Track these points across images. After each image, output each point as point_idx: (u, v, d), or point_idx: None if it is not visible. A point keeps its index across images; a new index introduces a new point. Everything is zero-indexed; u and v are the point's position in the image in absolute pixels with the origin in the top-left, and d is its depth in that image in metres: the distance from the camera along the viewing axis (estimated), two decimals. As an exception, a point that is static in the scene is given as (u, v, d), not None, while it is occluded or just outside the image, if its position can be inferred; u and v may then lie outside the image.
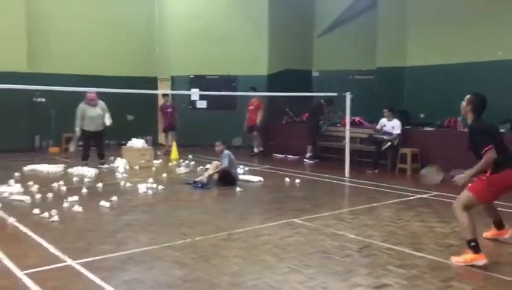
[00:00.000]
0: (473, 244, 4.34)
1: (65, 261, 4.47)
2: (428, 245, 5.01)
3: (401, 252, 4.78)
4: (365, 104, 12.63)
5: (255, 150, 13.04)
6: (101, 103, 10.47)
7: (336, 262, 4.50)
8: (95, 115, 10.31)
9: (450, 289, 3.84)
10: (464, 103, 4.79)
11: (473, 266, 4.31)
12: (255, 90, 12.86)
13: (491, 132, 4.62)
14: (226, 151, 8.52)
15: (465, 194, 4.53)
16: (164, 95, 13.82)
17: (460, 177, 4.55)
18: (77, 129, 10.27)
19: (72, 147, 11.49)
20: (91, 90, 10.29)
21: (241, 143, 11.73)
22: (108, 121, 10.45)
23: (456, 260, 4.42)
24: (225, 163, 8.35)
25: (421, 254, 4.71)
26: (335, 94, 10.44)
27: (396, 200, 7.39)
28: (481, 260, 4.30)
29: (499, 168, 4.43)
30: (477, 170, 4.51)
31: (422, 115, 12.01)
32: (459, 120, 10.11)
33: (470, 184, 4.60)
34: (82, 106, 10.30)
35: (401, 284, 3.93)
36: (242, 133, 13.52)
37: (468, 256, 4.36)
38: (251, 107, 13.25)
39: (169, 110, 13.51)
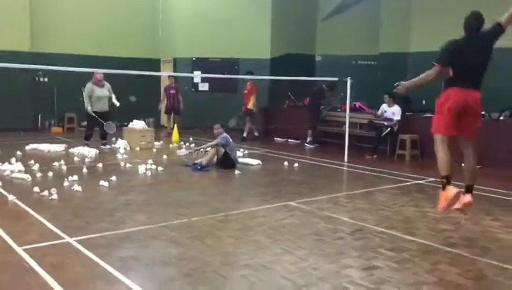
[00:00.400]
0: (443, 179, 4.56)
1: (63, 239, 4.57)
2: (420, 230, 5.09)
3: (393, 236, 4.86)
4: (368, 89, 12.62)
5: (244, 135, 12.85)
6: (107, 85, 10.55)
7: (328, 244, 4.58)
8: (102, 95, 10.40)
9: (438, 272, 3.92)
10: None
11: (449, 202, 4.55)
12: (251, 73, 12.79)
13: (447, 49, 4.77)
14: (224, 134, 8.62)
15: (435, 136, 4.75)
16: (169, 77, 13.87)
17: (400, 86, 5.09)
18: (89, 108, 10.31)
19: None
20: (97, 71, 10.33)
21: (235, 125, 11.70)
22: (116, 102, 10.53)
23: (438, 206, 4.66)
24: (215, 141, 8.53)
25: (412, 238, 4.79)
26: (336, 79, 10.44)
27: (393, 186, 7.45)
28: (451, 192, 4.47)
29: (445, 88, 4.63)
30: (416, 82, 4.93)
31: (424, 102, 11.99)
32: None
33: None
34: (90, 85, 10.36)
35: (391, 267, 4.01)
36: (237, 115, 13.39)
37: (441, 195, 4.60)
38: (245, 91, 13.15)
39: (172, 91, 13.56)
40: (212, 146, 8.58)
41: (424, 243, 4.64)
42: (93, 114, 10.29)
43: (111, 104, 10.63)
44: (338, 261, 4.12)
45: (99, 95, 10.34)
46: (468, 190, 4.78)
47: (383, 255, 4.27)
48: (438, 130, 4.72)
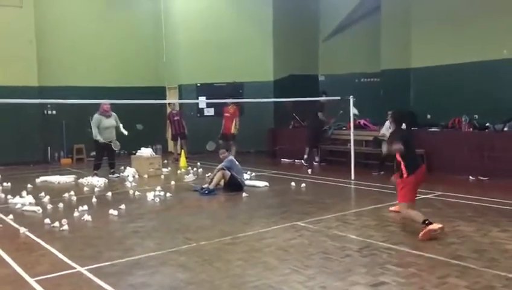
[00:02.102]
0: (426, 222, 5.32)
1: (74, 268, 4.65)
2: (427, 244, 5.09)
3: (400, 252, 4.88)
4: (372, 106, 12.71)
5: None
6: (114, 114, 10.73)
7: (336, 262, 4.61)
8: (109, 125, 10.58)
9: (446, 286, 3.93)
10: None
11: (432, 232, 5.22)
12: (233, 97, 12.89)
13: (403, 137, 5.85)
14: (230, 157, 8.74)
15: (402, 205, 5.77)
16: (169, 104, 14.06)
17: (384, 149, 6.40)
18: (99, 138, 10.44)
19: None
20: (104, 102, 10.50)
21: (214, 148, 11.57)
22: (125, 131, 10.70)
23: (422, 234, 5.24)
24: (221, 165, 8.66)
25: (420, 253, 4.80)
26: (338, 98, 10.54)
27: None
28: (437, 225, 5.28)
29: (411, 171, 5.67)
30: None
31: (429, 116, 12.05)
32: (463, 120, 10.15)
33: (399, 198, 5.88)
34: (97, 116, 10.54)
35: (398, 282, 4.03)
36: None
37: (427, 228, 5.27)
38: (227, 114, 12.99)
39: (176, 118, 13.74)
40: (218, 170, 8.67)
41: (431, 257, 4.65)
42: (102, 140, 10.40)
43: (119, 134, 10.77)
44: (346, 279, 4.15)
45: (106, 125, 10.52)
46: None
47: (390, 271, 4.30)
48: (411, 200, 5.81)
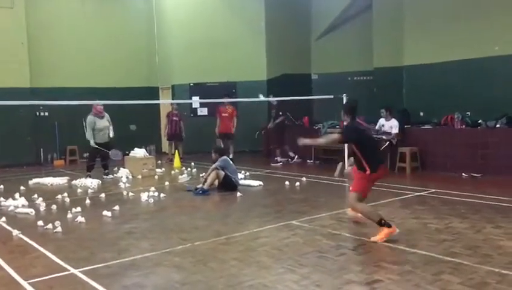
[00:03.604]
0: (383, 222, 5.19)
1: (68, 270, 4.62)
2: (422, 241, 5.12)
3: (395, 249, 4.90)
4: (365, 104, 12.69)
5: (231, 156, 12.67)
6: (107, 115, 10.65)
7: (331, 261, 4.61)
8: (103, 126, 10.48)
9: (439, 282, 3.94)
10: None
11: (387, 240, 5.09)
12: (229, 96, 13.07)
13: (353, 131, 5.60)
14: (223, 157, 8.74)
15: (353, 194, 5.47)
16: (171, 104, 14.06)
17: (302, 141, 5.93)
18: (92, 141, 10.36)
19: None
20: (96, 103, 10.42)
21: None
22: (112, 133, 10.62)
23: (379, 239, 5.12)
24: (215, 164, 8.67)
25: (414, 250, 4.82)
26: (331, 96, 10.55)
27: (394, 199, 7.49)
28: (395, 231, 5.17)
29: (375, 167, 5.34)
30: (310, 143, 6.33)
31: (422, 114, 12.08)
32: (455, 117, 10.19)
33: (351, 186, 5.69)
34: (91, 117, 10.44)
35: (393, 280, 4.04)
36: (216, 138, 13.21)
37: (384, 231, 5.15)
38: (225, 114, 12.98)
39: (174, 118, 13.70)
40: (212, 170, 8.65)
41: (425, 254, 4.67)
42: (96, 146, 10.36)
43: (108, 135, 10.67)
44: (340, 277, 4.15)
45: (100, 126, 10.44)
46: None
47: (384, 269, 4.31)
48: (365, 194, 5.54)
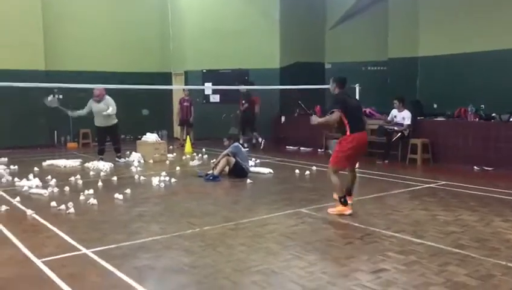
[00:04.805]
0: (342, 200, 5.86)
1: (80, 250, 4.73)
2: (429, 232, 5.14)
3: (402, 239, 4.92)
4: (378, 95, 12.69)
5: (260, 140, 13.42)
6: (107, 99, 10.56)
7: (338, 249, 4.66)
8: (98, 110, 10.52)
9: (445, 273, 3.98)
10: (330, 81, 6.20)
11: (341, 215, 5.81)
12: (252, 84, 13.41)
13: (343, 101, 5.92)
14: (235, 143, 8.81)
15: (330, 168, 5.99)
16: (184, 89, 14.15)
17: (312, 119, 6.14)
18: (75, 113, 10.59)
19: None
20: (98, 86, 10.35)
21: (235, 133, 12.38)
22: (109, 110, 10.45)
23: (331, 211, 5.92)
24: (227, 150, 8.76)
25: (421, 241, 4.84)
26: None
27: (403, 190, 7.50)
28: (347, 211, 5.85)
29: (355, 130, 5.81)
30: (321, 121, 6.10)
31: (435, 105, 12.02)
32: (469, 110, 10.12)
33: (331, 159, 6.07)
34: (90, 101, 10.64)
35: (398, 269, 4.08)
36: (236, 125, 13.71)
37: (339, 208, 5.89)
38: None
39: (185, 104, 13.80)
40: (223, 156, 8.71)
41: (432, 246, 4.70)
42: (71, 114, 10.63)
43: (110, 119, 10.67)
44: (347, 265, 4.20)
45: (95, 110, 10.53)
46: (350, 193, 6.15)
47: (391, 258, 4.34)
48: (341, 165, 6.02)
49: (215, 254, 4.57)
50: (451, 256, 4.40)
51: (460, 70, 11.47)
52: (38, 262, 4.37)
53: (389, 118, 10.72)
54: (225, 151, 8.77)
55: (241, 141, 12.27)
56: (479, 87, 10.90)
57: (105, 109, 10.51)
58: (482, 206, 6.31)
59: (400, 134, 10.38)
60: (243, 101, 13.29)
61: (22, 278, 4.08)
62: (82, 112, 10.60)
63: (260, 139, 13.33)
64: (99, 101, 10.56)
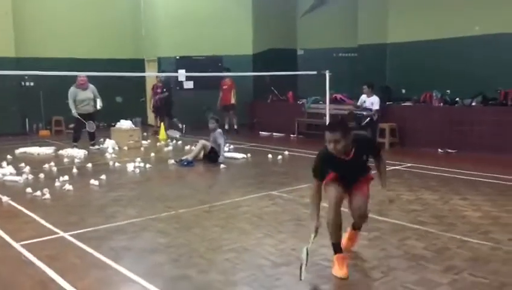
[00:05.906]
0: None
1: (58, 234, 4.87)
2: (392, 211, 5.45)
3: (367, 218, 5.21)
4: (349, 81, 13.00)
5: (226, 127, 13.54)
6: (92, 87, 10.71)
7: (307, 228, 4.87)
8: (85, 98, 10.58)
9: (405, 247, 4.29)
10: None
11: None
12: (228, 70, 13.61)
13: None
14: (219, 130, 8.99)
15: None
16: (157, 77, 14.20)
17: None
18: (74, 111, 10.49)
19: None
20: (80, 74, 10.47)
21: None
22: (99, 104, 10.73)
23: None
24: (221, 141, 8.89)
25: (384, 219, 5.15)
26: (314, 72, 10.77)
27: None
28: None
29: None
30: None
31: (403, 91, 12.39)
32: (434, 95, 10.51)
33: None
34: (73, 89, 10.56)
35: (362, 244, 4.36)
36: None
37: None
38: (225, 87, 13.82)
39: (158, 90, 13.83)
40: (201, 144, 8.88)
41: (394, 223, 5.01)
42: (78, 117, 10.50)
43: (92, 106, 10.76)
44: (315, 242, 4.45)
45: (82, 98, 10.55)
46: None
47: (356, 235, 4.62)
48: None
49: (190, 235, 4.78)
50: (411, 232, 4.72)
51: (428, 57, 11.83)
52: (17, 246, 4.50)
53: (358, 103, 11.03)
54: (218, 139, 8.89)
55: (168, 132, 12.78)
56: (446, 72, 11.28)
57: (91, 97, 10.59)
58: (443, 185, 6.68)
59: (368, 119, 10.70)
60: (164, 89, 13.51)
61: (2, 260, 4.21)
62: (71, 106, 10.51)
63: (181, 125, 13.60)
64: (84, 89, 10.57)
